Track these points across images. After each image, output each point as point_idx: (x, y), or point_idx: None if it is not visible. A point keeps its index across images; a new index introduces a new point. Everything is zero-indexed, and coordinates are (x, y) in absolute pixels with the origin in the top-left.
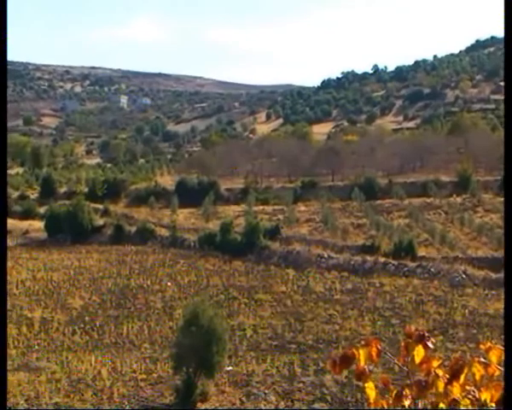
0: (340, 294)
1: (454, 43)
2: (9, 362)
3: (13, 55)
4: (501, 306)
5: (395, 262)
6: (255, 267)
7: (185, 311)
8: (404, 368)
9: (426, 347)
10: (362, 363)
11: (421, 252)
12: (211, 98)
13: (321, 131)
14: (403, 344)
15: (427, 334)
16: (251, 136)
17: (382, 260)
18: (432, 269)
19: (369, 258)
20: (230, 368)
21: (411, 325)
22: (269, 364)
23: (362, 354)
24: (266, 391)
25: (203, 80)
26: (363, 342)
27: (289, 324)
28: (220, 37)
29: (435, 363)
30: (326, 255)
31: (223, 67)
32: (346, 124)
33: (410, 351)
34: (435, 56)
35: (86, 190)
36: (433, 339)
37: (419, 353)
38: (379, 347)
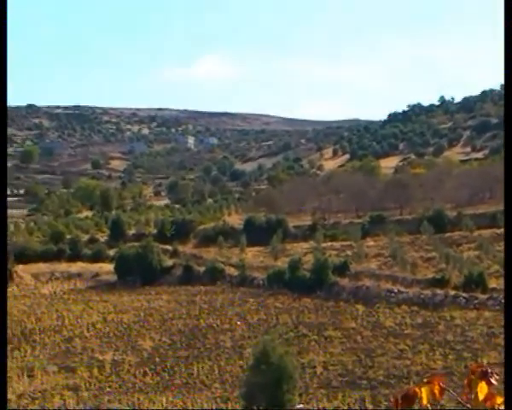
0: (411, 328)
1: None
2: (81, 405)
3: (80, 99)
4: None
5: (466, 295)
6: (324, 304)
7: (255, 349)
8: (468, 405)
9: (489, 383)
10: (424, 401)
11: (492, 284)
12: (277, 136)
13: (388, 165)
14: (466, 381)
15: (490, 370)
16: (318, 172)
17: (452, 293)
18: (503, 301)
19: (439, 291)
20: (301, 406)
21: (483, 359)
22: (340, 401)
23: (424, 391)
24: None
25: (269, 118)
26: (425, 380)
27: (359, 360)
28: (284, 73)
29: (499, 400)
30: (395, 290)
31: (288, 104)
32: (413, 157)
33: (473, 388)
34: (502, 85)
35: (155, 231)
36: (496, 375)
37: (482, 389)
38: (442, 384)
